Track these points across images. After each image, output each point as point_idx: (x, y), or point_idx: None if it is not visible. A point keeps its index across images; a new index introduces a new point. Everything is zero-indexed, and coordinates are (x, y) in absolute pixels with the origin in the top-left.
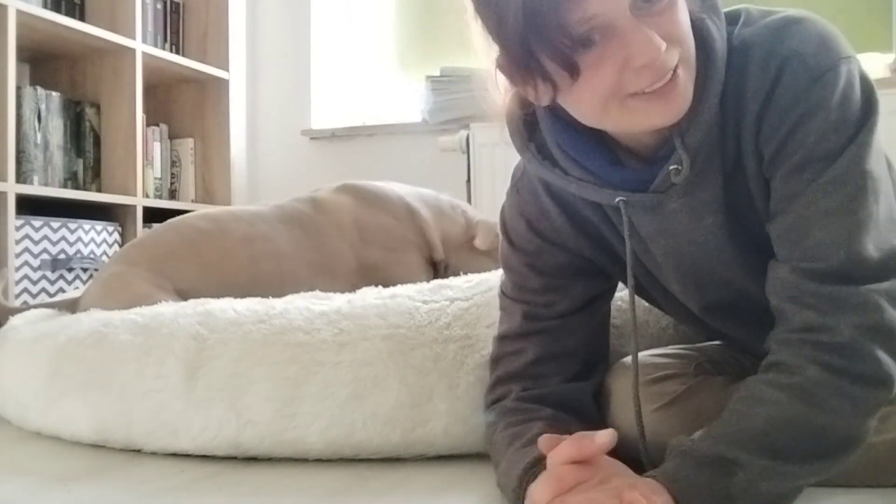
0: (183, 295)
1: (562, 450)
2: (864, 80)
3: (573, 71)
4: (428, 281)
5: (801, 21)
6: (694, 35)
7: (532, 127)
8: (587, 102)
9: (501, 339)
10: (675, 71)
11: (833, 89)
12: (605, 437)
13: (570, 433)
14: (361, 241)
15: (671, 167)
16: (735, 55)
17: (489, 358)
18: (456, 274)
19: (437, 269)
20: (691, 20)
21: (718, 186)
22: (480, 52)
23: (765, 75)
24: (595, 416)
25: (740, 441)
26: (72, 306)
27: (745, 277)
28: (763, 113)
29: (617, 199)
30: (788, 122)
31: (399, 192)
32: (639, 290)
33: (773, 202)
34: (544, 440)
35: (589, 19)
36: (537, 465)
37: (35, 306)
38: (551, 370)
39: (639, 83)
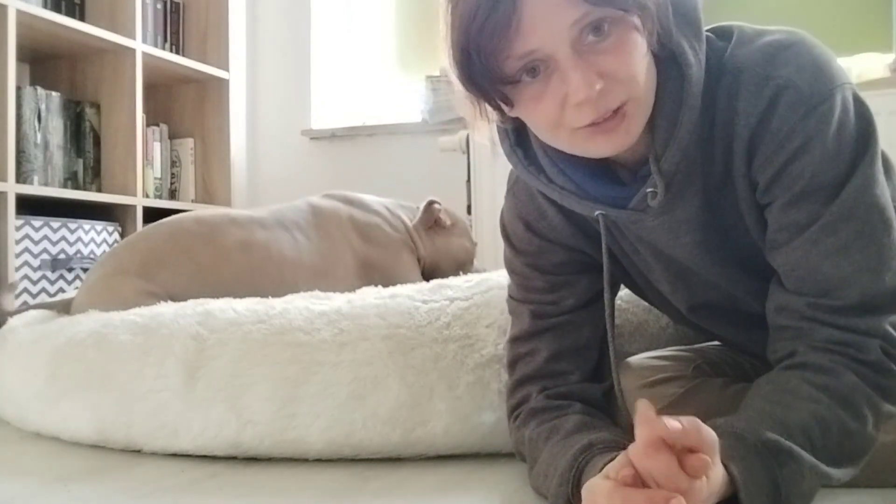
0: (177, 300)
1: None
2: (861, 108)
3: (506, 101)
4: (419, 279)
5: (794, 45)
6: (668, 61)
7: (519, 132)
8: (538, 127)
9: (513, 342)
10: (622, 107)
11: (829, 120)
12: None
13: (606, 423)
14: (362, 240)
15: (648, 190)
16: (727, 77)
17: (504, 364)
18: (432, 269)
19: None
20: (666, 46)
21: (697, 207)
22: (450, 71)
23: (757, 101)
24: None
25: (790, 432)
26: (66, 307)
27: (732, 286)
28: (755, 139)
29: (596, 213)
30: (784, 153)
31: (374, 198)
32: (633, 289)
33: (773, 231)
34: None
35: (529, 53)
36: (587, 452)
37: (32, 307)
38: (568, 366)
39: (580, 119)
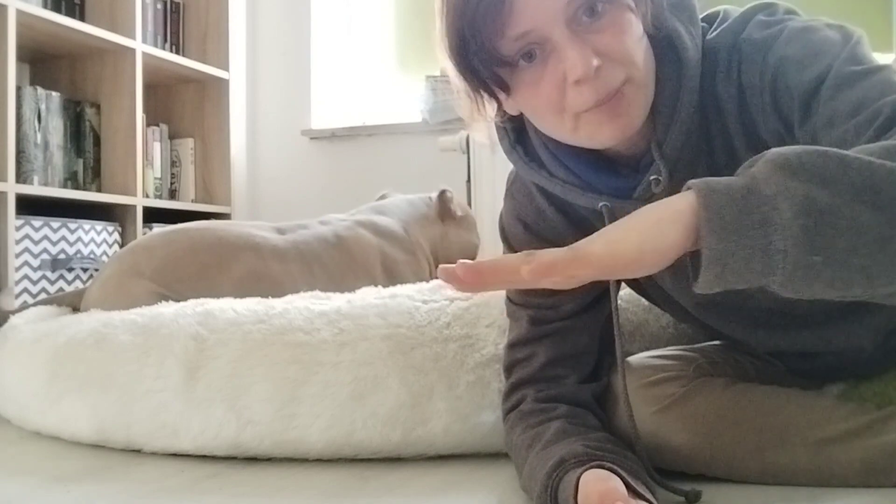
0: None
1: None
2: (813, 20)
3: (504, 87)
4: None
5: (757, 11)
6: (665, 44)
7: (518, 129)
8: (539, 115)
9: (511, 346)
10: (622, 88)
11: (785, 45)
12: None
13: (588, 428)
14: (388, 279)
15: (651, 177)
16: (706, 61)
17: (502, 368)
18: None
19: None
20: (662, 29)
21: None
22: (447, 65)
23: (729, 75)
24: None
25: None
26: (76, 299)
27: None
28: (742, 106)
29: (600, 205)
30: (767, 92)
31: (401, 219)
32: (636, 288)
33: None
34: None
35: (524, 35)
36: (560, 468)
37: (39, 303)
38: (565, 371)
39: (581, 100)
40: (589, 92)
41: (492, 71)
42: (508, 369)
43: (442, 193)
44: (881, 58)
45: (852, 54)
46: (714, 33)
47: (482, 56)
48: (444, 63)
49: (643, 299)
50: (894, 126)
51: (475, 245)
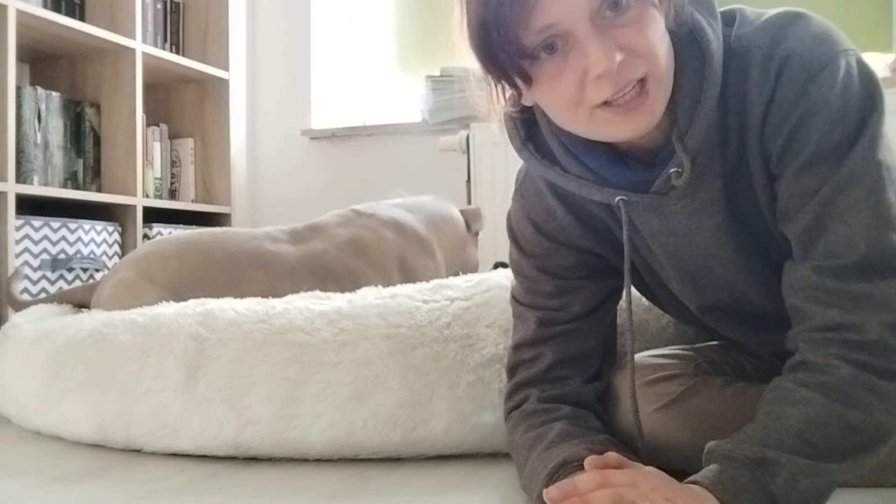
0: None
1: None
2: (865, 71)
3: (526, 78)
4: None
5: (796, 20)
6: (689, 38)
7: (529, 125)
8: (556, 108)
9: (517, 347)
10: (643, 85)
11: (832, 83)
12: None
13: (590, 429)
14: (403, 280)
15: (672, 170)
16: (735, 58)
17: (504, 368)
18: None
19: None
20: (684, 24)
21: (718, 188)
22: (465, 55)
23: (766, 79)
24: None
25: (779, 441)
26: (88, 294)
27: (746, 280)
28: (767, 115)
29: (617, 199)
30: (791, 120)
31: (426, 218)
32: (642, 288)
33: (784, 199)
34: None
35: (547, 27)
36: (561, 470)
37: (49, 298)
38: (570, 372)
39: (600, 94)
40: (608, 85)
41: (514, 62)
42: (512, 369)
43: (478, 211)
44: (881, 58)
45: (864, 159)
46: (745, 30)
47: (505, 47)
48: (462, 53)
49: (644, 299)
50: (854, 274)
51: (477, 264)
